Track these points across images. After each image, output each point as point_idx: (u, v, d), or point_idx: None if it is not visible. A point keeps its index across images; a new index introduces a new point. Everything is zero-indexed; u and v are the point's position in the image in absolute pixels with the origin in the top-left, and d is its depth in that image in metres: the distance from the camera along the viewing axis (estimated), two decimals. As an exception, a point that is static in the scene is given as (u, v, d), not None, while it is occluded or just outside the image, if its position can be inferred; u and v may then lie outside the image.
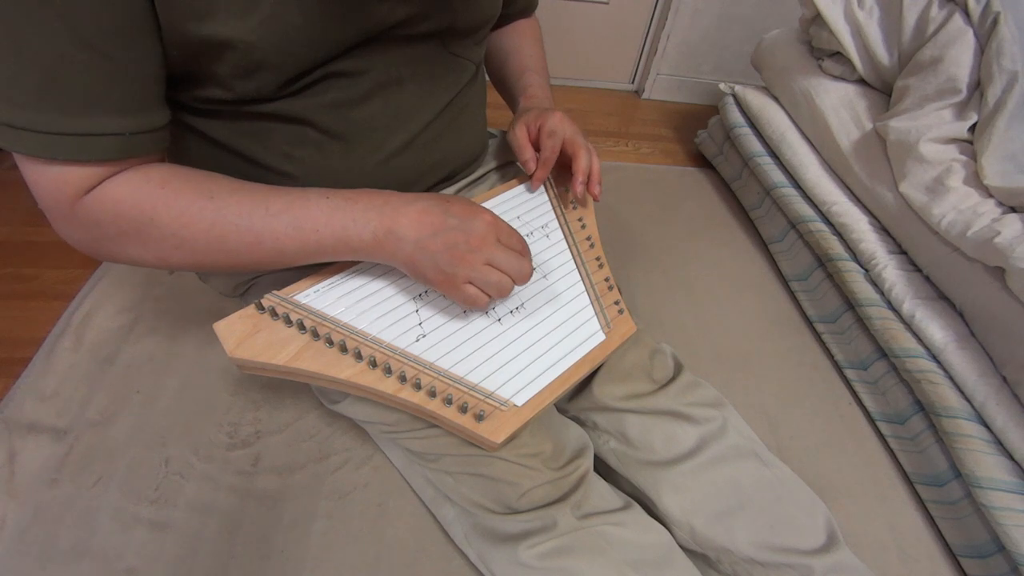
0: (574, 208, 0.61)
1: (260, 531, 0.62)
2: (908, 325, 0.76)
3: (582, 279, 0.55)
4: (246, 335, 0.43)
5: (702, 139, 1.35)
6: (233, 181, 0.42)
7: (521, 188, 0.62)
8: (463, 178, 0.62)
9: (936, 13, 0.83)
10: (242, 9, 0.36)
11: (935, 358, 0.73)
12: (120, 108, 0.36)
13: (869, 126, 0.90)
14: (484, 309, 0.47)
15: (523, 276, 0.44)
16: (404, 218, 0.41)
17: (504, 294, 0.43)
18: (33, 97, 0.33)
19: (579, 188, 0.55)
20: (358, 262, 0.49)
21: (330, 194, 0.42)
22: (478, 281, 0.42)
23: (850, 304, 0.87)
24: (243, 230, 0.40)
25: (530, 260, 0.45)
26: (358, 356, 0.43)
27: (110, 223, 0.39)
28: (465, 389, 0.44)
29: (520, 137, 0.58)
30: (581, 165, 0.55)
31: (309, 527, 0.62)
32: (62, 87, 0.33)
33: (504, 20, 0.66)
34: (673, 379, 0.56)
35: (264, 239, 0.41)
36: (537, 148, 0.58)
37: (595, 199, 0.58)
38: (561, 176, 0.63)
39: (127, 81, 0.35)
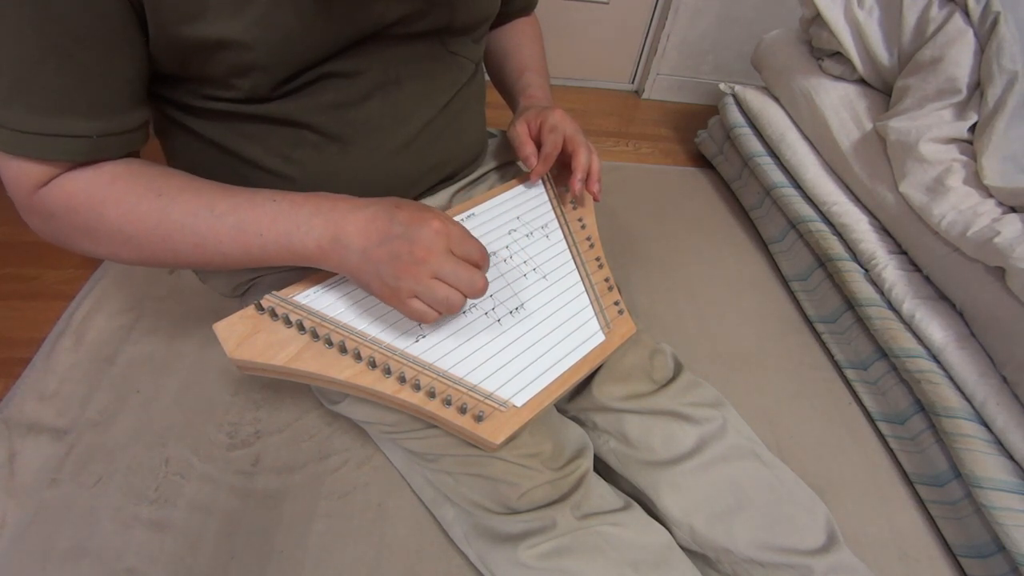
0: (574, 208, 0.61)
1: (260, 531, 0.62)
2: (908, 325, 0.76)
3: (582, 279, 0.55)
4: (246, 336, 0.43)
5: (702, 139, 1.35)
6: (187, 179, 0.41)
7: (521, 188, 0.62)
8: (463, 178, 0.62)
9: (936, 13, 0.83)
10: (233, 9, 0.36)
11: (935, 358, 0.73)
12: (89, 111, 0.36)
13: (869, 126, 0.90)
14: (432, 324, 0.45)
15: (475, 291, 0.40)
16: (351, 225, 0.39)
17: (454, 310, 0.40)
18: (4, 94, 0.33)
19: (578, 186, 0.55)
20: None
21: (278, 197, 0.40)
22: (424, 296, 0.39)
23: (850, 304, 0.87)
24: (187, 230, 0.39)
25: (487, 269, 0.42)
26: (357, 357, 0.43)
27: (63, 216, 0.39)
28: (464, 390, 0.44)
29: (521, 133, 0.57)
30: (580, 162, 0.55)
31: (309, 527, 0.62)
32: (32, 88, 0.33)
33: (503, 18, 0.66)
34: (673, 379, 0.56)
35: (207, 240, 0.39)
36: (538, 144, 0.57)
37: (595, 198, 0.58)
38: (561, 176, 0.63)
39: (98, 85, 0.35)
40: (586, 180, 0.56)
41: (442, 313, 0.41)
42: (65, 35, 0.32)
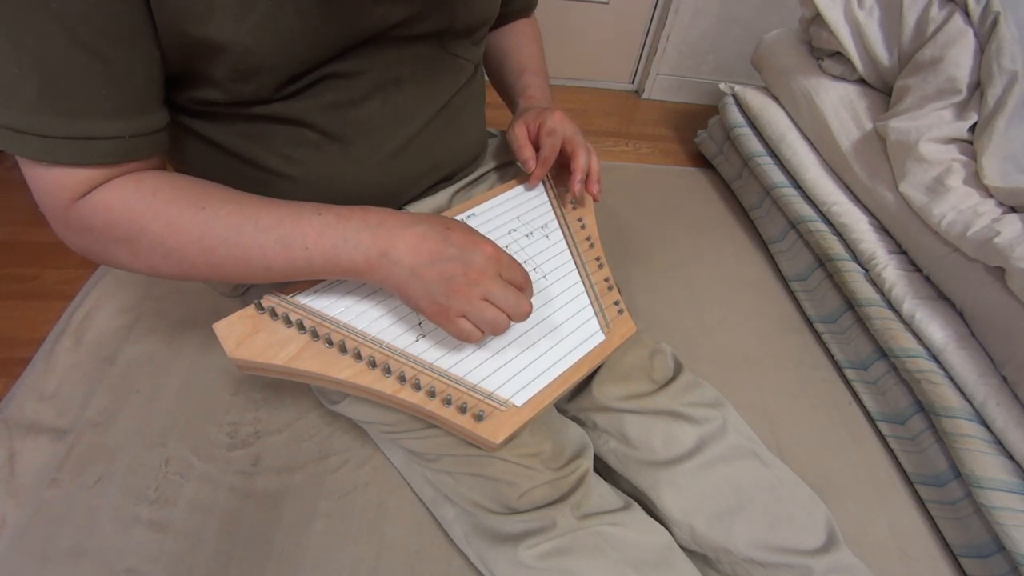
0: (574, 208, 0.62)
1: (260, 531, 0.62)
2: (908, 325, 0.76)
3: (582, 279, 0.55)
4: (246, 335, 0.43)
5: (702, 139, 1.35)
6: (227, 192, 0.41)
7: (521, 188, 0.62)
8: (462, 178, 0.62)
9: (936, 13, 0.83)
10: (238, 12, 0.36)
11: (935, 358, 0.73)
12: (119, 111, 0.36)
13: (869, 126, 0.90)
14: (477, 344, 0.45)
15: (521, 314, 0.41)
16: (401, 242, 0.39)
17: (499, 331, 0.41)
18: (33, 100, 0.33)
19: (577, 187, 0.56)
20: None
21: (323, 210, 0.40)
22: (472, 316, 0.40)
23: (850, 304, 0.87)
24: (231, 243, 0.39)
25: (531, 295, 0.43)
26: (357, 356, 0.43)
27: (102, 229, 0.38)
28: (464, 389, 0.44)
29: (519, 135, 0.58)
30: (580, 163, 0.55)
31: (309, 527, 0.63)
32: (61, 90, 0.33)
33: (503, 20, 0.66)
34: (673, 379, 0.56)
35: (252, 254, 0.39)
36: (536, 147, 0.58)
37: (595, 199, 0.58)
38: (561, 176, 0.63)
39: (126, 83, 0.35)
40: (586, 181, 0.56)
41: (486, 333, 0.41)
42: (92, 30, 0.32)
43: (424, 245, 0.40)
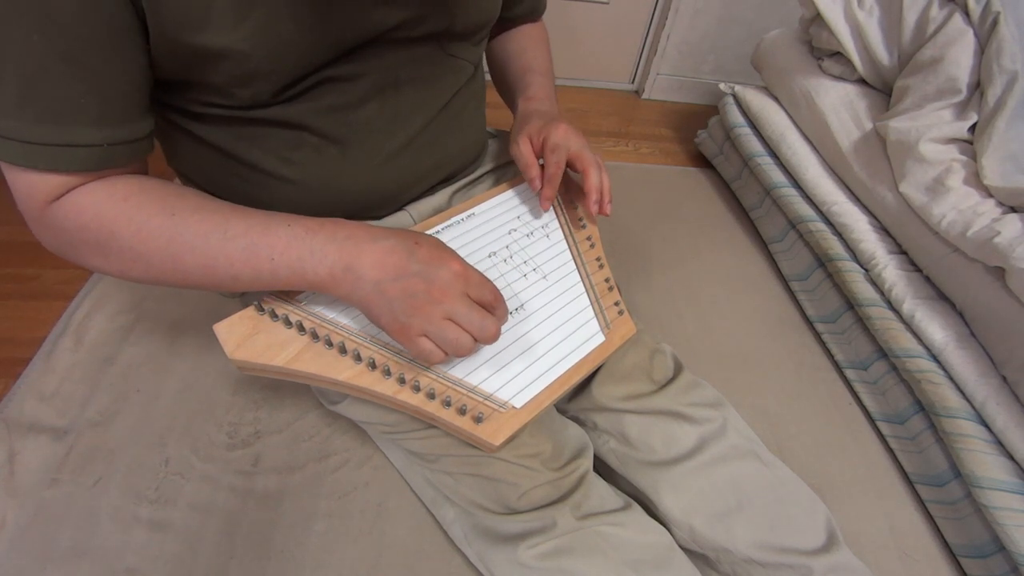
0: (574, 208, 0.61)
1: (260, 531, 0.62)
2: (908, 325, 0.76)
3: (582, 280, 0.55)
4: (246, 336, 0.43)
5: (702, 139, 1.35)
6: (201, 199, 0.40)
7: (521, 188, 0.62)
8: (462, 178, 0.62)
9: (936, 13, 0.83)
10: (234, 19, 0.35)
11: (935, 358, 0.73)
12: (99, 119, 0.35)
13: (869, 126, 0.90)
14: (441, 364, 0.43)
15: (487, 336, 0.39)
16: (366, 256, 0.39)
17: (462, 353, 0.39)
18: (12, 106, 0.33)
19: (593, 208, 0.53)
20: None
21: (293, 221, 0.40)
22: (434, 335, 0.39)
23: (850, 304, 0.87)
24: (198, 251, 0.38)
25: (503, 317, 0.42)
26: (357, 358, 0.43)
27: (74, 232, 0.38)
28: (464, 391, 0.44)
29: (525, 153, 0.55)
30: (592, 183, 0.53)
31: (309, 527, 0.63)
32: (40, 98, 0.33)
33: (509, 23, 0.66)
34: (673, 379, 0.56)
35: (218, 263, 0.39)
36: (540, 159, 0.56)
37: (606, 216, 0.57)
38: (569, 191, 0.62)
39: (107, 93, 0.35)
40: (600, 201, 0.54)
41: (449, 354, 0.40)
42: (73, 40, 0.32)
43: (389, 260, 0.39)
